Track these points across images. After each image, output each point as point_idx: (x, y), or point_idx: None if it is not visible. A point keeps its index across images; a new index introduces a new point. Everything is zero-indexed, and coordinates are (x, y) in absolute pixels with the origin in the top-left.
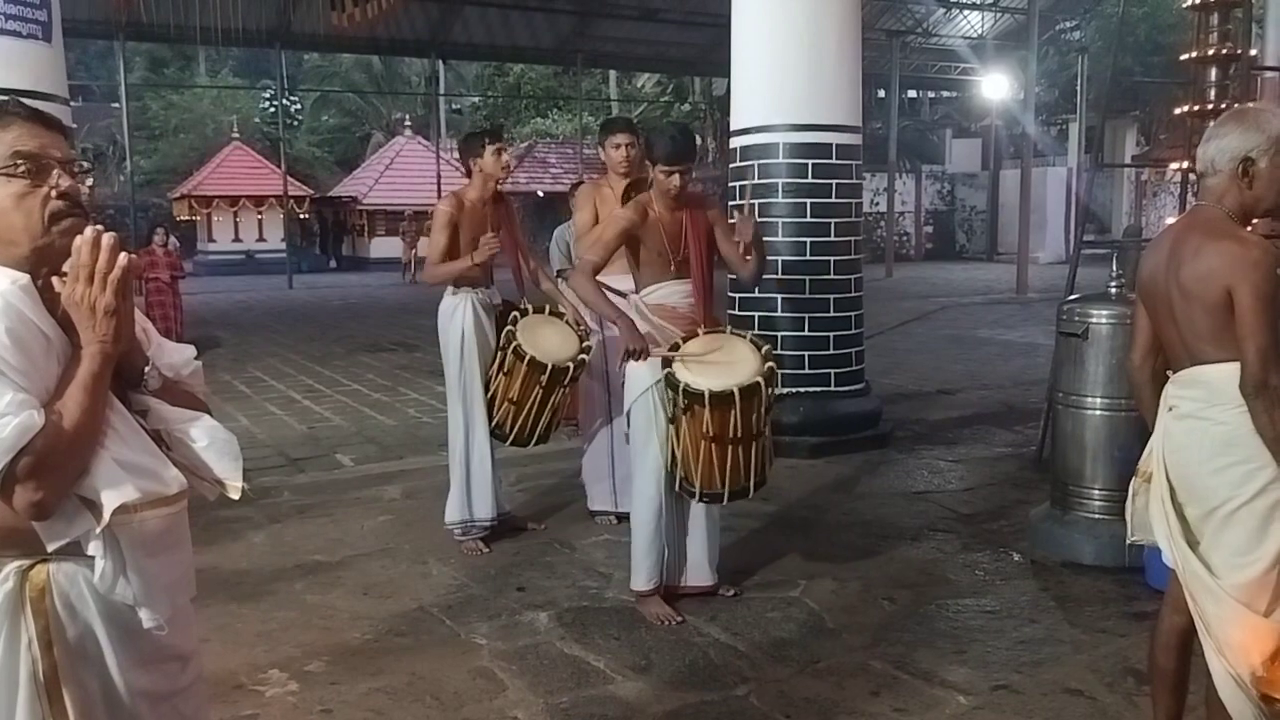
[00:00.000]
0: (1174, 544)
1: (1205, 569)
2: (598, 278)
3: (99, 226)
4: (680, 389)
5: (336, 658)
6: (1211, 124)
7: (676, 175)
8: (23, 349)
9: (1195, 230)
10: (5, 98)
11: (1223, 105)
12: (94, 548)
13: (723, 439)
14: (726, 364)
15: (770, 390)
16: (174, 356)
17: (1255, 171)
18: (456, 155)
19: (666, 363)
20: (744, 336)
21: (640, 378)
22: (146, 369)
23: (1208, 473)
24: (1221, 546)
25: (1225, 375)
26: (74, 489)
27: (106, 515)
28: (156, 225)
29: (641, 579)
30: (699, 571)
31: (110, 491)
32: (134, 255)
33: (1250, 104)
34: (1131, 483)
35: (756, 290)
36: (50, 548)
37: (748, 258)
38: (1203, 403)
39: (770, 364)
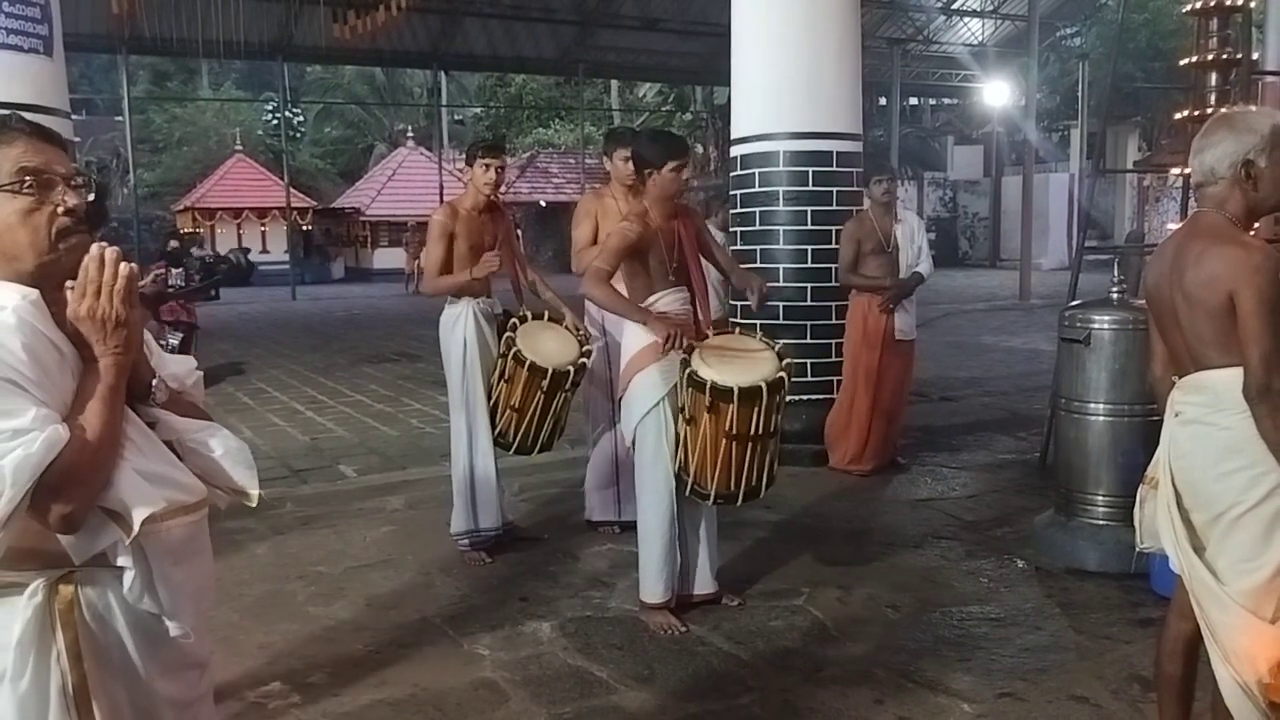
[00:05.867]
0: (1180, 550)
1: (1211, 575)
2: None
3: (103, 243)
4: (707, 387)
5: (339, 669)
6: (1198, 134)
7: (685, 170)
8: (40, 364)
9: (1198, 236)
10: (6, 113)
11: (1223, 110)
12: (123, 559)
13: (744, 436)
14: (745, 360)
15: (787, 388)
16: (176, 368)
17: (1258, 172)
18: (463, 163)
19: (684, 364)
20: (752, 334)
21: (648, 393)
22: (154, 381)
23: (1212, 478)
24: (1227, 552)
25: (1229, 380)
26: (99, 501)
27: (136, 526)
28: (169, 238)
29: (655, 591)
30: (704, 580)
31: (137, 502)
32: (135, 267)
33: (1232, 107)
34: (1139, 489)
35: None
36: (78, 561)
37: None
38: (1207, 408)
39: (787, 358)
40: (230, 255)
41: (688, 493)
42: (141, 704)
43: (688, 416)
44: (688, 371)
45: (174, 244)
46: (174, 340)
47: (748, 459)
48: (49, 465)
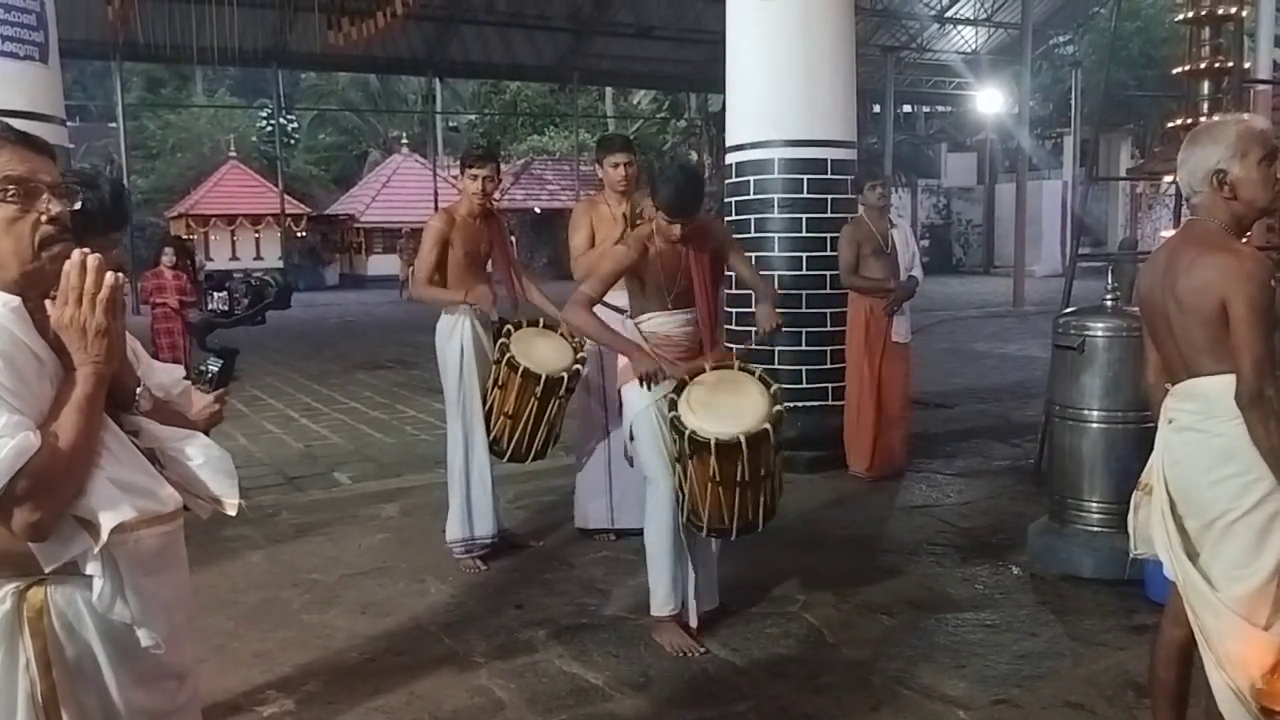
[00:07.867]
0: (1174, 556)
1: (1205, 581)
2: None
3: (85, 250)
4: (686, 436)
5: (334, 677)
6: (1179, 151)
7: (678, 226)
8: (16, 371)
9: (1190, 244)
10: None
11: (1215, 118)
12: (92, 568)
13: (730, 483)
14: (734, 406)
15: (779, 434)
16: (163, 377)
17: (1232, 180)
18: (457, 170)
19: (672, 404)
20: (753, 373)
21: (635, 403)
22: (138, 390)
23: (1206, 485)
24: (1220, 558)
25: (1222, 387)
26: (70, 509)
27: (104, 535)
28: (165, 245)
29: (666, 604)
30: (710, 594)
31: (107, 511)
32: (121, 276)
33: (1210, 119)
34: (1133, 495)
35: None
36: (47, 569)
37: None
38: (1200, 415)
39: (779, 407)
40: (271, 278)
41: (685, 520)
42: (113, 713)
43: (675, 456)
44: (672, 416)
45: (167, 253)
46: (214, 368)
47: (737, 502)
48: (17, 471)
